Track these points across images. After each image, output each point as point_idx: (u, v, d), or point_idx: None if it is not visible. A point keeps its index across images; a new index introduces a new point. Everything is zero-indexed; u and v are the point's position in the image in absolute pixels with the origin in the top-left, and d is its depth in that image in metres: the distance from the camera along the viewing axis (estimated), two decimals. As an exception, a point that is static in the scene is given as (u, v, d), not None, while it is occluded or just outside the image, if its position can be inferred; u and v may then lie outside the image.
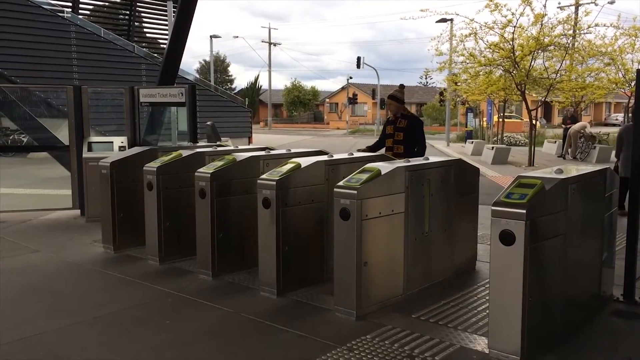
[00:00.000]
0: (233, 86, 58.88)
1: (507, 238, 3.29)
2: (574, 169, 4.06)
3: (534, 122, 16.48)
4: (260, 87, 57.17)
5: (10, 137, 17.42)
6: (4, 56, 15.63)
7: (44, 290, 4.90)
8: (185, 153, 5.77)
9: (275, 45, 55.47)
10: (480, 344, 3.62)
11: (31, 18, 16.13)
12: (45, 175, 12.59)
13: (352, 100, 46.91)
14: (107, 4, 23.28)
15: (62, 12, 18.11)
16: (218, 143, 8.75)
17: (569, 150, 18.12)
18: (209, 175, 5.03)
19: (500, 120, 22.41)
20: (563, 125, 19.15)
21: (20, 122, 14.24)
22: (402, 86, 6.35)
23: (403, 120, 6.17)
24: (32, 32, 15.93)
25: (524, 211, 3.25)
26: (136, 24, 23.57)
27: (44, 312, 4.32)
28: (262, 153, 5.57)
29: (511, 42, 15.18)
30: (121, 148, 8.05)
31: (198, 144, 7.63)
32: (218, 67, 56.44)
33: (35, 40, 15.95)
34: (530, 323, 3.33)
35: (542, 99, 18.15)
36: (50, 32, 16.62)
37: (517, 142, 24.14)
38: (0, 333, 3.92)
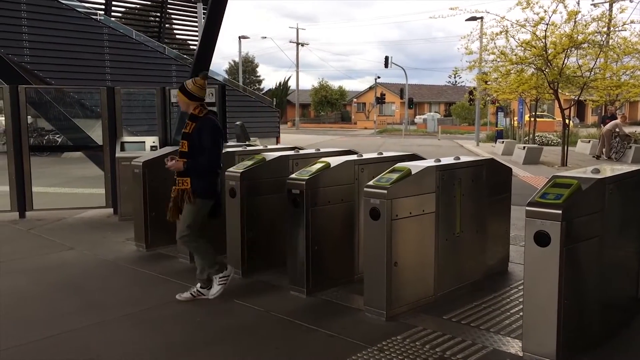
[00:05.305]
0: (261, 86, 59.27)
1: (542, 239, 3.22)
2: (609, 169, 3.96)
3: (567, 121, 16.15)
4: (289, 87, 57.42)
5: (46, 138, 17.87)
6: (39, 58, 16.03)
7: (79, 287, 5.01)
8: (215, 152, 5.81)
9: (303, 45, 55.62)
10: (514, 346, 3.56)
11: (65, 20, 16.50)
12: (79, 174, 12.87)
13: (380, 100, 46.69)
14: (138, 6, 23.68)
15: (95, 14, 18.48)
16: (247, 143, 8.81)
17: (603, 150, 17.72)
18: (239, 174, 5.06)
19: (532, 119, 22.02)
20: (602, 125, 18.72)
21: (55, 122, 14.59)
22: (204, 75, 4.58)
23: (191, 123, 4.46)
24: (66, 34, 16.30)
25: (560, 212, 3.18)
26: (167, 25, 23.91)
27: (79, 309, 4.40)
28: (292, 152, 5.58)
29: (543, 40, 14.89)
30: (153, 148, 8.17)
31: (228, 144, 7.69)
32: (247, 67, 56.88)
33: (69, 42, 16.32)
34: (565, 326, 3.25)
35: (576, 98, 17.76)
36: (84, 34, 16.98)
37: (550, 142, 23.69)
38: (36, 328, 4.02)
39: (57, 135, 17.03)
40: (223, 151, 5.46)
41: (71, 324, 4.08)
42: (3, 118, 8.81)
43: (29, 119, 9.49)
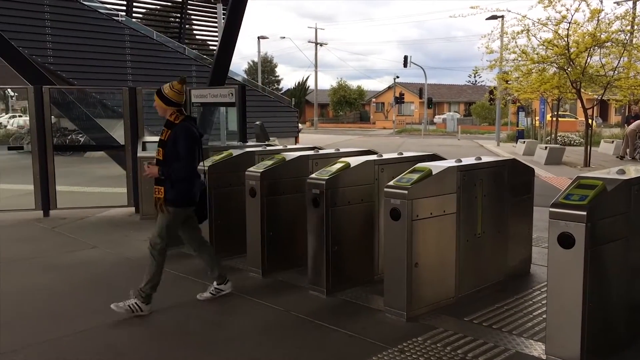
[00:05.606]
0: (280, 86, 59.43)
1: (566, 241, 3.18)
2: (634, 170, 3.89)
3: (589, 121, 15.92)
4: (308, 87, 57.52)
5: (69, 137, 18.13)
6: (62, 59, 16.27)
7: (103, 285, 5.08)
8: (235, 152, 5.85)
9: (321, 45, 55.69)
10: (537, 349, 3.52)
11: (87, 22, 16.73)
12: (102, 173, 13.04)
13: (399, 100, 46.51)
14: (159, 7, 23.93)
15: (117, 15, 18.72)
16: (267, 143, 8.84)
17: (627, 150, 17.43)
18: (259, 174, 5.08)
19: (554, 119, 21.74)
20: (626, 125, 18.44)
21: (78, 122, 14.82)
22: (182, 80, 4.39)
23: (166, 131, 4.30)
24: (88, 35, 16.53)
25: (585, 213, 3.14)
26: (187, 26, 24.11)
27: (102, 306, 4.44)
28: (311, 152, 5.59)
29: (566, 39, 14.70)
30: (173, 148, 8.22)
31: (247, 144, 7.73)
32: (265, 67, 57.09)
33: (91, 43, 16.54)
34: (590, 329, 3.21)
35: (599, 97, 17.49)
36: (106, 35, 17.20)
37: (572, 142, 23.37)
38: (61, 326, 4.09)
39: (80, 135, 17.27)
40: (236, 157, 5.28)
41: (98, 321, 4.15)
42: (28, 118, 8.95)
43: (53, 119, 9.65)
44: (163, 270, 4.38)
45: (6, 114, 40.86)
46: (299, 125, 46.30)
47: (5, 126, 33.09)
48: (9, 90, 34.81)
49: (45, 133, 8.15)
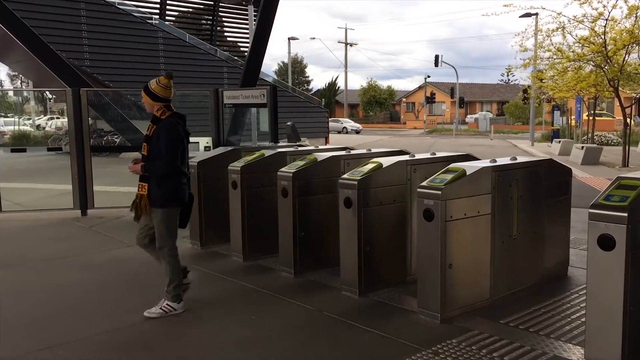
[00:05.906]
0: (310, 87, 59.56)
1: (606, 242, 3.10)
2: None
3: (627, 120, 15.50)
4: (338, 87, 57.50)
5: (105, 138, 18.55)
6: (98, 62, 16.67)
7: (138, 283, 5.17)
8: (267, 153, 5.88)
9: (351, 45, 55.65)
10: (576, 353, 3.44)
11: (122, 25, 17.10)
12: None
13: (430, 100, 46.10)
14: (191, 10, 24.27)
15: (150, 19, 19.06)
16: (298, 143, 8.87)
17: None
18: (291, 174, 5.10)
19: (590, 118, 21.23)
20: None
21: (114, 123, 15.13)
22: (169, 75, 4.37)
23: (152, 126, 4.27)
24: (123, 38, 16.89)
25: (626, 214, 3.06)
26: (218, 28, 24.39)
27: (137, 304, 4.52)
28: (343, 153, 5.58)
29: (603, 36, 14.34)
30: (206, 148, 8.35)
31: (279, 144, 7.77)
32: (296, 68, 57.29)
33: (126, 46, 16.90)
34: (631, 333, 3.12)
35: (637, 96, 17.01)
36: (140, 38, 17.54)
37: (609, 142, 22.80)
38: (97, 323, 4.17)
39: (116, 136, 17.65)
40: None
41: (133, 319, 4.22)
42: (66, 119, 9.18)
43: (89, 121, 9.88)
44: (180, 269, 4.38)
45: (45, 115, 42.07)
46: (358, 125, 45.80)
47: (44, 128, 34.08)
48: (47, 92, 35.81)
49: (82, 134, 8.34)
